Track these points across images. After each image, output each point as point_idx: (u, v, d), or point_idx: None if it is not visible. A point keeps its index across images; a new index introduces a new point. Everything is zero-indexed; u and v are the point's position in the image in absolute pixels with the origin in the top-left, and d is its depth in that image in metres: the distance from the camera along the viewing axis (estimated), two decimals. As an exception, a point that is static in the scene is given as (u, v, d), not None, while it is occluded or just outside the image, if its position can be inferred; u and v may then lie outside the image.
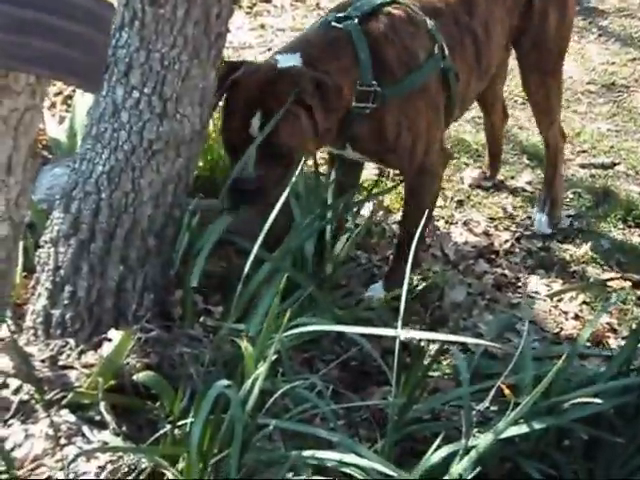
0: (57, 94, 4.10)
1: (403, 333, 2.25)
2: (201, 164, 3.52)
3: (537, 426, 2.32)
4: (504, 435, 2.27)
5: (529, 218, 4.07)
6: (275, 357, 2.44)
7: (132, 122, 2.69)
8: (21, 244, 3.01)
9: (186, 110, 2.72)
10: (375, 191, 3.62)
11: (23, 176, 1.96)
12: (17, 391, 2.63)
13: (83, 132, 2.86)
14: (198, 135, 2.79)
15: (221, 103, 2.97)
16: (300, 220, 3.09)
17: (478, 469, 2.15)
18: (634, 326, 3.33)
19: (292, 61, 2.94)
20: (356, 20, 3.04)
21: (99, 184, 2.74)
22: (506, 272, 3.73)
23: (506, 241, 3.90)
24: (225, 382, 2.18)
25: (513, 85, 4.94)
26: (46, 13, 1.66)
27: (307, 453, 2.12)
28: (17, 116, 1.86)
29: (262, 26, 5.35)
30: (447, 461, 2.24)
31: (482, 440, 2.18)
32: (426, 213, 3.08)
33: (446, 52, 3.20)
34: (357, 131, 3.08)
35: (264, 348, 2.30)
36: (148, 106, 2.68)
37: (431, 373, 2.99)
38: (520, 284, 3.66)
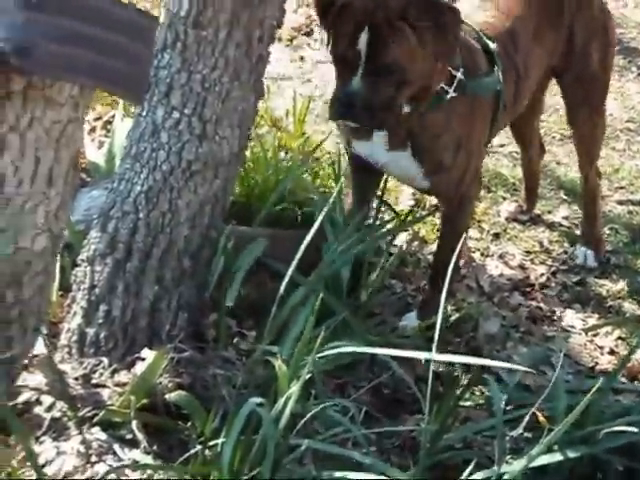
0: (97, 119, 4.14)
1: (437, 356, 2.23)
2: (237, 190, 3.52)
3: (571, 455, 2.30)
4: (537, 463, 2.25)
5: (565, 252, 4.05)
6: (308, 379, 2.44)
7: (171, 143, 2.71)
8: (58, 263, 3.03)
9: (225, 132, 2.74)
10: (409, 220, 3.60)
11: (64, 189, 1.98)
12: (50, 408, 2.63)
13: (122, 153, 2.88)
14: (236, 157, 2.80)
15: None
16: (335, 245, 3.09)
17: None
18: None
19: None
20: None
21: (137, 203, 2.76)
22: (541, 305, 3.70)
23: (542, 275, 3.88)
24: (257, 400, 2.17)
25: (552, 121, 4.94)
26: (91, 25, 1.68)
27: (339, 474, 2.10)
28: (59, 128, 1.88)
29: (302, 58, 5.37)
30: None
31: (514, 466, 2.16)
32: (461, 241, 3.08)
33: (501, 78, 3.20)
34: (427, 125, 3.04)
35: (297, 369, 2.29)
36: (188, 127, 2.70)
37: (463, 403, 2.97)
38: (555, 318, 3.63)
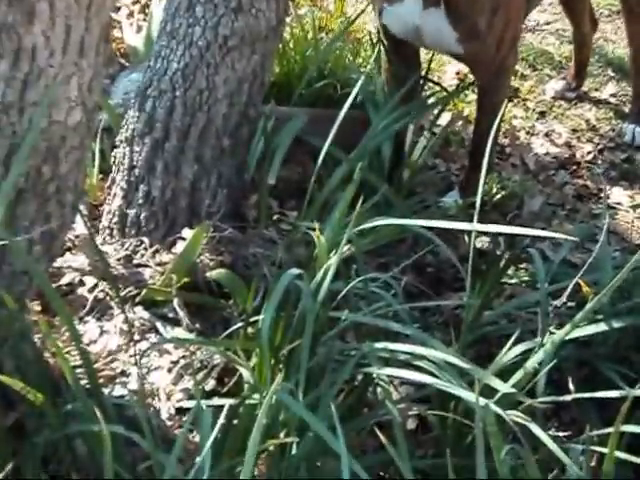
0: (135, 2, 4.08)
1: (478, 226, 2.20)
2: (277, 70, 3.48)
3: (616, 325, 2.26)
4: (581, 332, 2.21)
5: (613, 130, 3.97)
6: (348, 257, 2.41)
7: (207, 17, 2.66)
8: (97, 146, 3.02)
9: (262, 5, 2.67)
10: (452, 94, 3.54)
11: (95, 60, 1.94)
12: (93, 289, 2.65)
13: (158, 30, 2.84)
14: (274, 31, 2.74)
15: None
16: (376, 121, 3.04)
17: (554, 362, 2.10)
18: None
19: None
20: None
21: (173, 82, 2.72)
22: (588, 183, 3.65)
23: (588, 153, 3.81)
24: (296, 271, 2.15)
25: (599, -3, 4.82)
26: None
27: (379, 345, 2.09)
28: (88, -5, 1.84)
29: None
30: (523, 358, 2.19)
31: (558, 335, 2.13)
32: (499, 115, 3.02)
33: None
34: None
35: (336, 244, 2.26)
36: (223, 0, 2.64)
37: (508, 281, 2.95)
38: (602, 195, 3.57)
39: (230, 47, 2.68)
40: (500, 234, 3.18)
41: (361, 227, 2.30)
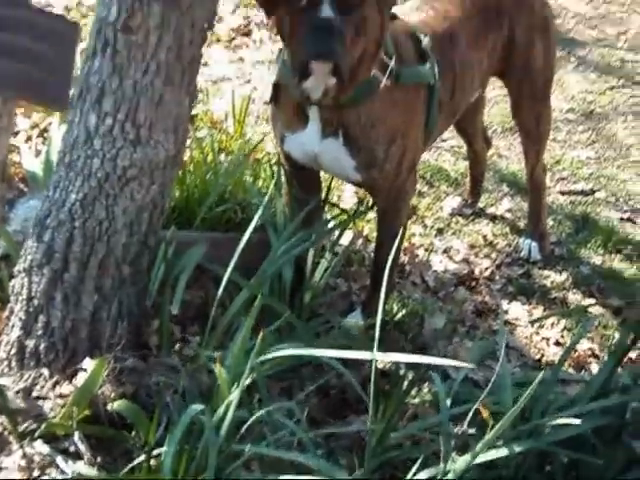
0: (33, 127, 4.08)
1: (379, 356, 2.22)
2: (177, 194, 3.49)
3: (517, 449, 2.29)
4: (483, 458, 2.24)
5: (509, 245, 4.06)
6: (251, 383, 2.41)
7: (105, 149, 2.67)
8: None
9: (160, 136, 2.70)
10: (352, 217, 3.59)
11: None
12: (-10, 423, 2.59)
13: (56, 160, 2.84)
14: (172, 162, 2.77)
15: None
16: (277, 245, 3.07)
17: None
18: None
19: None
20: None
21: (72, 212, 2.72)
22: (486, 299, 3.71)
23: (486, 268, 3.89)
24: (199, 407, 2.14)
25: (493, 114, 4.95)
26: (10, 33, 1.65)
27: (284, 478, 2.08)
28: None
29: (241, 59, 5.35)
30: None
31: (460, 463, 2.15)
32: (398, 237, 3.12)
33: (436, 71, 3.19)
34: (360, 114, 3.00)
35: (238, 373, 2.27)
36: (121, 133, 2.66)
37: (411, 401, 2.97)
38: (500, 311, 3.63)
39: (129, 178, 2.69)
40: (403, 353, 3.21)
41: (262, 358, 2.30)
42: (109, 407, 2.58)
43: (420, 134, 3.20)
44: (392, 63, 3.01)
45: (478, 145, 4.18)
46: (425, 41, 3.18)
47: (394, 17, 3.08)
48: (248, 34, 5.63)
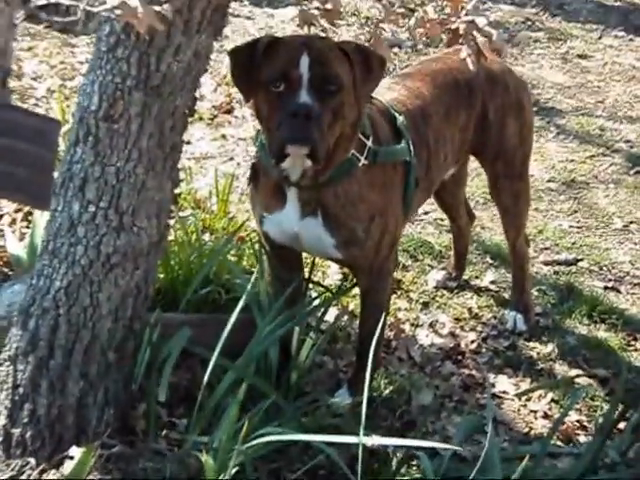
0: (17, 210, 4.10)
1: (366, 440, 2.22)
2: (161, 275, 3.50)
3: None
4: None
5: (495, 317, 4.07)
6: (239, 469, 2.41)
7: (89, 236, 2.69)
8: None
9: (143, 222, 2.72)
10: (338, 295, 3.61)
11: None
12: (-23, 515, 2.57)
13: (40, 248, 2.85)
14: (156, 247, 2.79)
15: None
16: (262, 326, 3.08)
17: None
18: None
19: None
20: None
21: (57, 300, 2.73)
22: (473, 373, 3.71)
23: (472, 341, 3.89)
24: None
25: (475, 186, 4.98)
26: (-8, 132, 1.67)
27: None
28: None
29: (223, 136, 5.39)
30: None
31: None
32: (383, 314, 3.15)
33: (412, 149, 3.23)
34: (338, 194, 3.04)
35: (226, 460, 2.26)
36: (104, 220, 2.68)
37: (401, 479, 2.96)
38: (487, 384, 3.63)
39: (113, 264, 2.71)
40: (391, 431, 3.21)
41: (249, 445, 2.30)
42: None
43: (399, 211, 3.23)
44: (369, 143, 3.06)
45: (462, 220, 4.21)
46: (400, 119, 3.24)
47: (370, 98, 3.12)
48: (230, 111, 5.68)
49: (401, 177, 3.22)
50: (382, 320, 3.10)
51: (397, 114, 3.25)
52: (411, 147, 3.22)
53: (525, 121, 3.77)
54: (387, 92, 3.37)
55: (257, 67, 2.88)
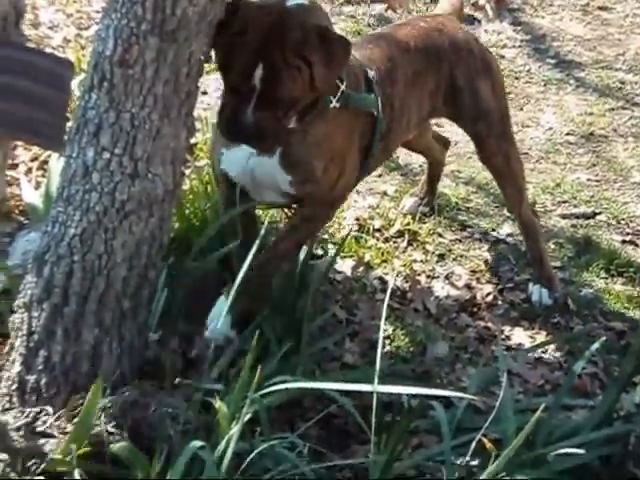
0: (33, 159, 4.08)
1: (380, 388, 2.21)
2: (176, 225, 3.49)
3: (520, 478, 2.28)
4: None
5: (511, 270, 4.05)
6: (252, 417, 2.41)
7: (103, 183, 2.67)
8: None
9: (158, 169, 2.70)
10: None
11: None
12: (-7, 460, 2.58)
13: (55, 195, 2.84)
14: (171, 194, 2.77)
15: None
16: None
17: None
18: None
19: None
20: None
21: (71, 247, 2.72)
22: (489, 325, 3.70)
23: (488, 294, 3.87)
24: (199, 443, 2.13)
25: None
26: (6, 75, 1.65)
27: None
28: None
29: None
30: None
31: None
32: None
33: (379, 103, 3.26)
34: (308, 132, 3.07)
35: (238, 408, 2.26)
36: (119, 167, 2.66)
37: (415, 430, 2.95)
38: (503, 337, 3.62)
39: (127, 212, 2.70)
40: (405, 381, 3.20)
41: (263, 392, 2.30)
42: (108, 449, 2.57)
43: (357, 162, 3.27)
44: (343, 86, 3.08)
45: (436, 152, 4.26)
46: (371, 73, 3.27)
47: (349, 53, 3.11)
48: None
49: (366, 129, 3.25)
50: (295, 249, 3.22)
51: (369, 69, 3.28)
52: (379, 103, 3.25)
53: (495, 81, 3.75)
54: (359, 50, 3.36)
55: (222, 51, 2.90)
